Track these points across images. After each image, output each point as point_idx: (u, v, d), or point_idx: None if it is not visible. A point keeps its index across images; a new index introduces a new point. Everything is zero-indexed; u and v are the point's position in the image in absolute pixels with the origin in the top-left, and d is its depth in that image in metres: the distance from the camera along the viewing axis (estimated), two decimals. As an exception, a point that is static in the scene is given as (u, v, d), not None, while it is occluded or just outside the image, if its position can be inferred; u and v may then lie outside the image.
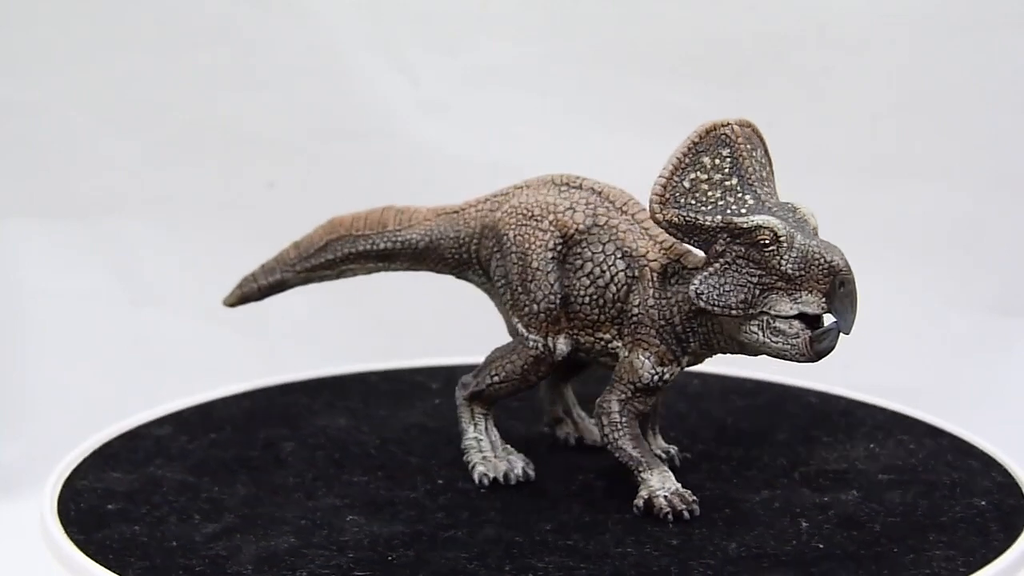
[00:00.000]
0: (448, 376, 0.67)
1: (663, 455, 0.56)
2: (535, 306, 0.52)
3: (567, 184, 0.53)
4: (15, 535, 0.65)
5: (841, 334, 0.48)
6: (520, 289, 0.52)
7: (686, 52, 0.95)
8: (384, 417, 0.65)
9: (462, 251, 0.55)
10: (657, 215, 0.48)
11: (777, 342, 0.48)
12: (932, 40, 0.92)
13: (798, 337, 0.48)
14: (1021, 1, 0.91)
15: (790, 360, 0.49)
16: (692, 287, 0.48)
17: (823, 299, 0.47)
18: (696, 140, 0.49)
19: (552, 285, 0.52)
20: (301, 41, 0.96)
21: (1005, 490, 0.52)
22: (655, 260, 0.51)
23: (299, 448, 0.60)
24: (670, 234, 0.49)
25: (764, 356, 0.50)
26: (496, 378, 0.53)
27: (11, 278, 0.98)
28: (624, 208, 0.53)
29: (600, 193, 0.53)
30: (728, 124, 0.49)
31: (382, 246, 0.57)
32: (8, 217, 0.98)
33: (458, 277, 0.57)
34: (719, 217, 0.48)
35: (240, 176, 0.98)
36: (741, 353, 0.51)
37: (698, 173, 0.49)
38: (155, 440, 0.61)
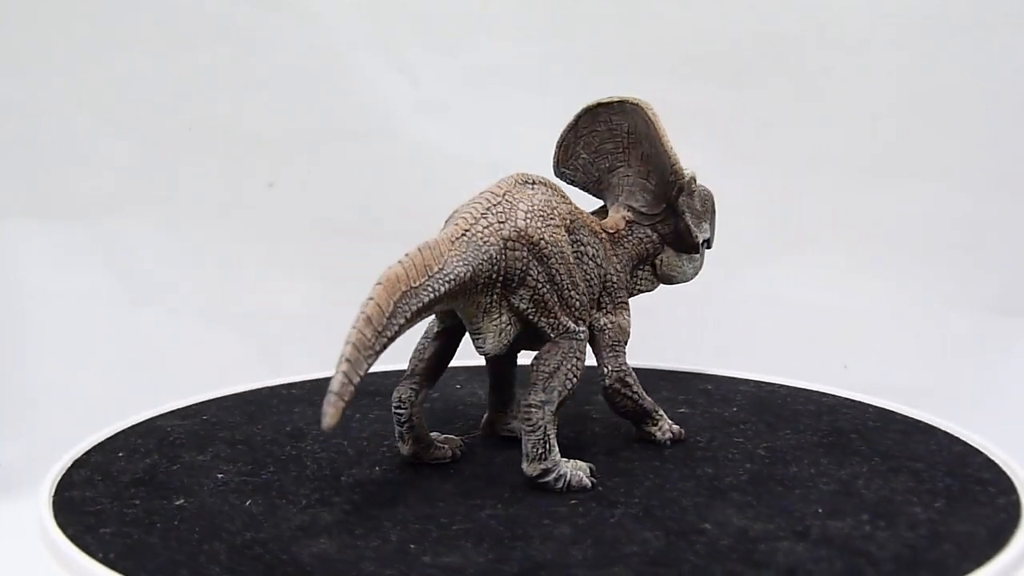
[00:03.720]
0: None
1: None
2: (584, 298, 0.54)
3: (532, 182, 0.55)
4: (15, 535, 0.65)
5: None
6: (569, 286, 0.53)
7: (686, 52, 0.95)
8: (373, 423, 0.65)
9: (494, 270, 0.52)
10: (685, 182, 0.58)
11: (691, 267, 0.61)
12: (932, 40, 0.92)
13: (700, 258, 0.61)
14: (1021, 1, 0.91)
15: (687, 280, 0.61)
16: (701, 238, 0.60)
17: (709, 224, 0.61)
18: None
19: (580, 276, 0.55)
20: (301, 41, 0.96)
21: (1004, 490, 0.52)
22: (602, 231, 0.58)
23: (306, 453, 0.60)
24: (685, 200, 0.58)
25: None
26: (572, 381, 0.53)
27: (11, 278, 0.98)
28: (564, 195, 0.56)
29: (548, 185, 0.55)
30: None
31: (442, 290, 0.51)
32: (8, 217, 0.98)
33: (450, 304, 0.52)
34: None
35: (240, 176, 0.98)
36: (647, 292, 0.61)
37: None
38: (153, 440, 0.61)
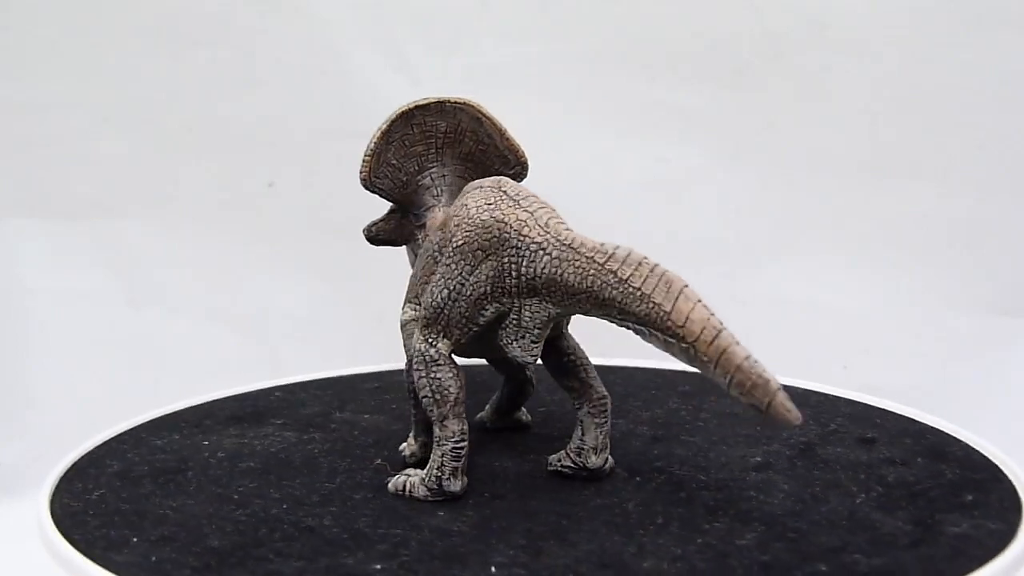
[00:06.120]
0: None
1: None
2: None
3: None
4: (15, 535, 0.65)
5: None
6: None
7: (686, 52, 0.95)
8: (387, 421, 0.65)
9: None
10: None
11: None
12: (932, 40, 0.92)
13: None
14: (1021, 1, 0.91)
15: None
16: None
17: None
18: None
19: None
20: (301, 41, 0.97)
21: (1003, 490, 0.52)
22: None
23: (358, 428, 0.60)
24: None
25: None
26: None
27: (11, 278, 0.98)
28: None
29: None
30: None
31: None
32: (8, 217, 0.98)
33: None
34: None
35: (240, 176, 0.98)
36: None
37: None
38: (154, 441, 0.61)
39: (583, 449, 0.54)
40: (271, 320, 1.00)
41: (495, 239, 0.50)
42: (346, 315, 0.99)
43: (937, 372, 0.94)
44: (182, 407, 0.67)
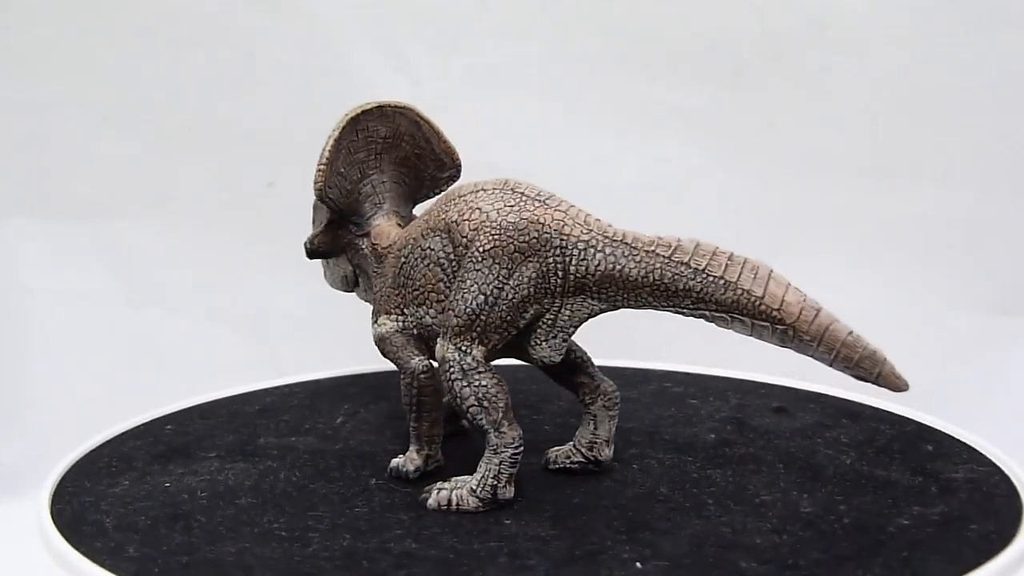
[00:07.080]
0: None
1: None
2: None
3: None
4: (15, 535, 0.65)
5: None
6: None
7: (686, 52, 0.95)
8: (386, 420, 0.65)
9: None
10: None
11: None
12: (932, 40, 0.92)
13: None
14: (1021, 1, 0.91)
15: None
16: None
17: None
18: None
19: None
20: (301, 41, 0.97)
21: (1003, 490, 0.52)
22: None
23: (304, 452, 0.60)
24: None
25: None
26: None
27: (11, 278, 0.98)
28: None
29: None
30: None
31: None
32: (8, 217, 0.98)
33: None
34: None
35: (240, 176, 0.98)
36: None
37: None
38: (153, 441, 0.61)
39: (595, 442, 0.54)
40: (271, 320, 1.00)
41: (534, 240, 0.49)
42: (346, 315, 0.99)
43: (937, 372, 0.94)
44: (88, 449, 0.61)
